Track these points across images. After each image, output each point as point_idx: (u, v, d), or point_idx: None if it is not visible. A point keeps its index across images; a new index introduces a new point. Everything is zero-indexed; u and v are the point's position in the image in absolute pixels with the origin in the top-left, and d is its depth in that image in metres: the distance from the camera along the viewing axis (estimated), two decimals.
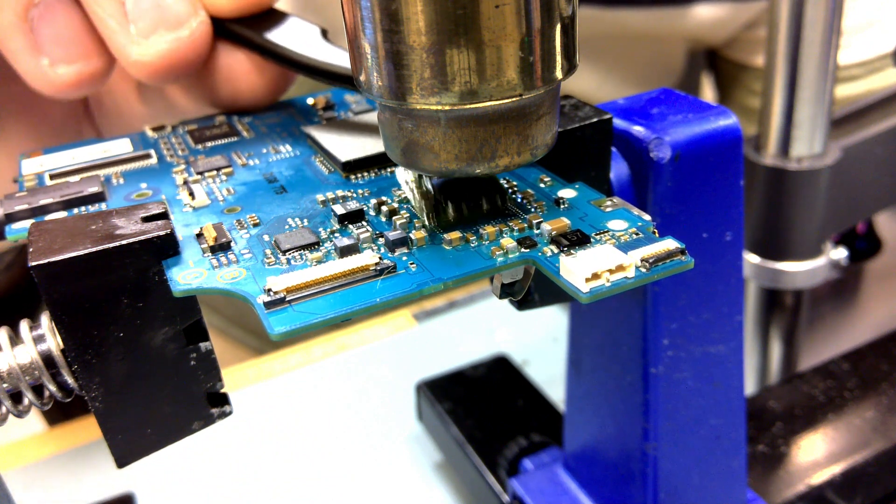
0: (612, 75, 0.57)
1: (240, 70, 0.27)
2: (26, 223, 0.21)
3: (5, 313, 0.45)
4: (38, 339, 0.19)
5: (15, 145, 0.31)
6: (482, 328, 0.49)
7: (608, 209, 0.20)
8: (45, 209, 0.21)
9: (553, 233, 0.19)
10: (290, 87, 0.29)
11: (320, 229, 0.20)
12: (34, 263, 0.17)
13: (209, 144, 0.26)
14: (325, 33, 0.26)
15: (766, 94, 0.35)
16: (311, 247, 0.19)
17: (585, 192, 0.21)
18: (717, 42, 0.59)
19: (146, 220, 0.19)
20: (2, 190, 0.31)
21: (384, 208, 0.21)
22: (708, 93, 0.73)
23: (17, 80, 0.27)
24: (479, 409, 0.38)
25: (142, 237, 0.18)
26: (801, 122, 0.34)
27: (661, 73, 0.61)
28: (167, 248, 0.18)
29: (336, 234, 0.20)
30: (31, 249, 0.18)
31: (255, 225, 0.20)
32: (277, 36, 0.26)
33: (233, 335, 0.68)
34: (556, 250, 0.19)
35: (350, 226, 0.20)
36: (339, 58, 0.25)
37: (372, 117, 0.26)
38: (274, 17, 0.27)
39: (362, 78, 0.19)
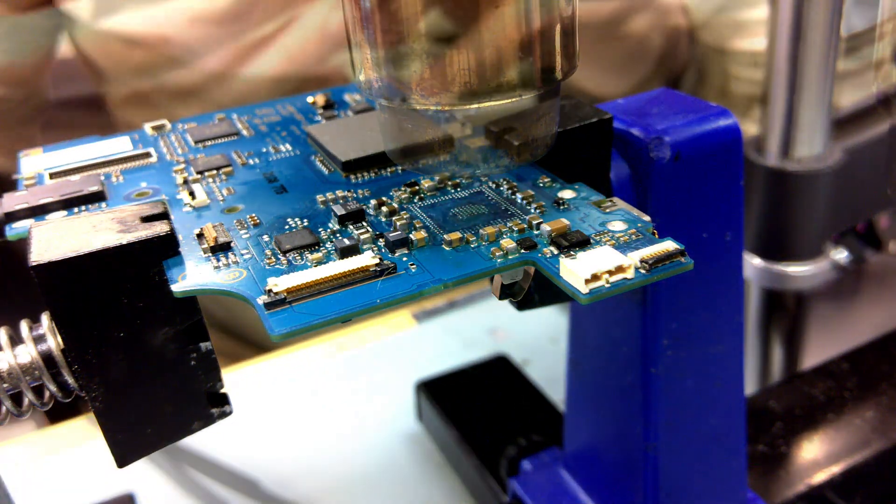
0: (590, 61, 0.57)
1: None
2: (26, 222, 0.21)
3: None
4: (38, 339, 0.19)
5: None
6: (482, 328, 0.49)
7: (608, 210, 0.20)
8: (44, 208, 0.21)
9: (553, 234, 0.19)
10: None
11: (320, 229, 0.20)
12: (34, 263, 0.17)
13: (209, 143, 0.26)
14: None
15: (767, 95, 0.35)
16: (312, 247, 0.19)
17: (585, 192, 0.21)
18: (691, 26, 0.59)
19: (146, 220, 0.19)
20: None
21: (384, 208, 0.21)
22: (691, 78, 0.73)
23: None
24: (479, 409, 0.38)
25: (142, 237, 0.18)
26: (803, 123, 0.34)
27: (639, 58, 0.61)
28: (167, 248, 0.18)
29: (336, 235, 0.20)
30: (31, 249, 0.18)
31: (256, 225, 0.20)
32: None
33: (233, 330, 0.67)
34: (556, 251, 0.18)
35: (350, 226, 0.20)
36: None
37: (372, 117, 0.26)
38: None
39: (362, 78, 0.19)
